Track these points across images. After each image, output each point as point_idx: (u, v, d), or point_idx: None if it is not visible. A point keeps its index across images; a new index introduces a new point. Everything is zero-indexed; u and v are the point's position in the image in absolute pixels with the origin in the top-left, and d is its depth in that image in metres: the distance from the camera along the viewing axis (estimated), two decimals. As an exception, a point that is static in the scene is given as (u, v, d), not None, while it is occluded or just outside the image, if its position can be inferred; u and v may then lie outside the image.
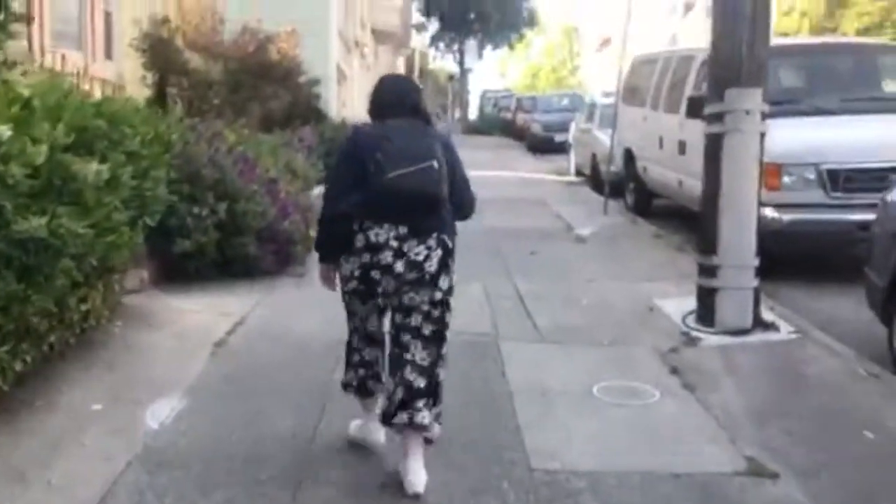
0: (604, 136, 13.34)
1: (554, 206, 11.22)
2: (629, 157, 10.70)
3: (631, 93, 10.78)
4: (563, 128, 19.73)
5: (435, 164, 3.01)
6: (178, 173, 6.22)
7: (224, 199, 6.31)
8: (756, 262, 5.34)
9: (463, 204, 3.28)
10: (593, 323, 5.55)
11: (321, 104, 16.64)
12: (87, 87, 13.11)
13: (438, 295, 3.13)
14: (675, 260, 7.60)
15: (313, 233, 7.16)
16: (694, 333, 5.30)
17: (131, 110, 5.35)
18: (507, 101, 34.75)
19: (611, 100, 18.21)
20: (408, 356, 3.14)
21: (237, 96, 15.09)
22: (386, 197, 2.99)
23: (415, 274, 3.08)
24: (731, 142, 5.32)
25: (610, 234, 8.95)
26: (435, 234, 3.10)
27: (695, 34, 21.76)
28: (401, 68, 43.09)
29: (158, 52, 15.19)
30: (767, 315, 5.50)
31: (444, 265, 3.13)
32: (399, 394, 3.11)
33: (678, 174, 8.78)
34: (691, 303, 5.68)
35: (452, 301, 3.21)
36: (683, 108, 8.51)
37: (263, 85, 15.17)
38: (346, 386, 3.45)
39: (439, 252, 3.10)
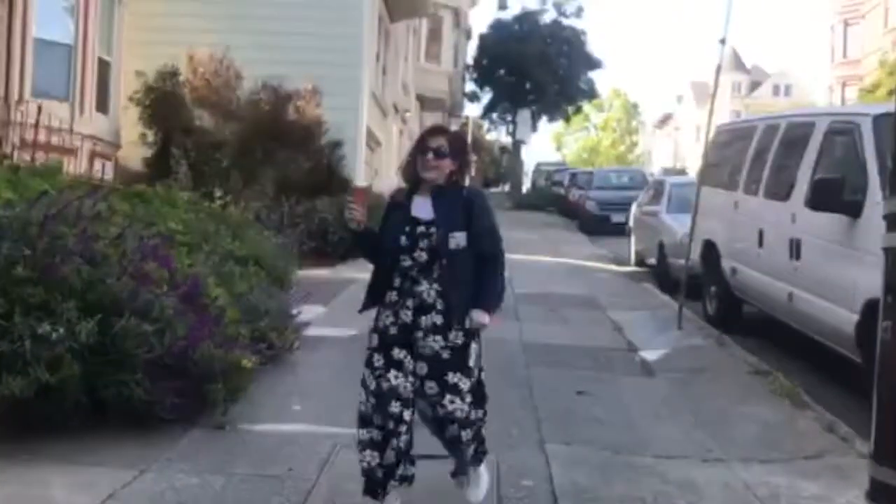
0: (673, 222, 10.95)
1: (610, 311, 8.75)
2: (710, 252, 8.24)
3: (715, 171, 8.36)
4: (622, 207, 17.37)
5: None
6: (31, 271, 4.05)
7: (95, 313, 4.06)
8: None
9: None
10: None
11: (346, 171, 14.58)
12: (71, 144, 11.42)
13: None
14: (793, 421, 5.07)
15: (248, 362, 4.89)
16: None
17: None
18: (560, 175, 32.52)
19: (681, 178, 15.91)
20: None
21: (248, 160, 13.17)
22: None
23: None
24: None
25: (688, 364, 6.45)
26: None
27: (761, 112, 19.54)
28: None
29: (162, 108, 13.40)
30: None
31: None
32: None
33: (788, 284, 6.30)
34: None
35: None
36: (801, 194, 6.10)
37: (277, 148, 13.24)
38: None
39: None
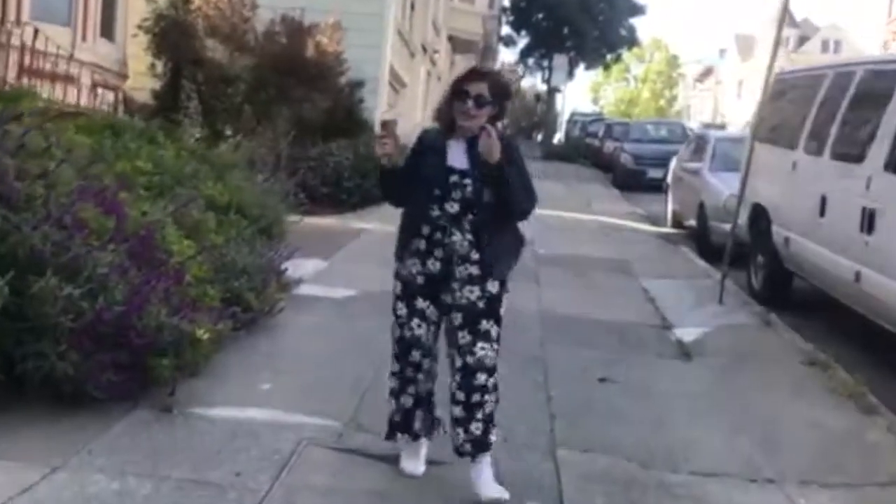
0: (717, 182, 9.97)
1: (642, 279, 7.87)
2: (760, 217, 7.30)
3: (770, 126, 7.36)
4: (660, 162, 16.31)
5: None
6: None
7: (7, 270, 3.30)
8: None
9: None
10: None
11: (366, 113, 13.68)
12: (70, 72, 10.61)
13: None
14: (860, 430, 4.21)
15: (207, 331, 4.07)
16: None
17: None
18: (596, 125, 31.23)
19: (727, 133, 14.78)
20: None
21: (261, 97, 12.33)
22: None
23: None
24: None
25: (732, 348, 5.59)
26: None
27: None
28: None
29: (173, 37, 12.52)
30: None
31: None
32: None
33: (856, 262, 5.38)
34: None
35: None
36: (880, 155, 5.15)
37: (293, 85, 12.36)
38: None
39: None
